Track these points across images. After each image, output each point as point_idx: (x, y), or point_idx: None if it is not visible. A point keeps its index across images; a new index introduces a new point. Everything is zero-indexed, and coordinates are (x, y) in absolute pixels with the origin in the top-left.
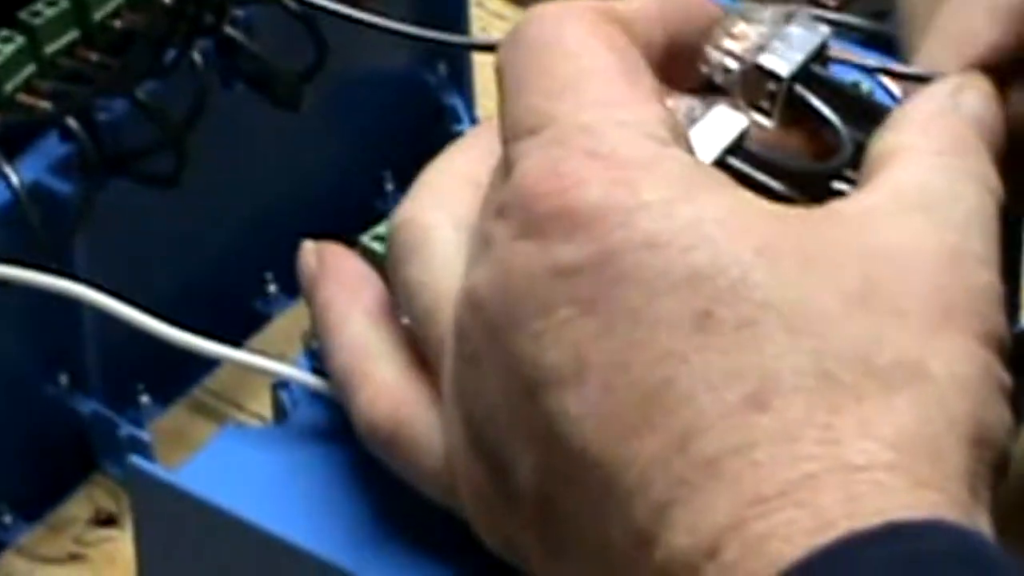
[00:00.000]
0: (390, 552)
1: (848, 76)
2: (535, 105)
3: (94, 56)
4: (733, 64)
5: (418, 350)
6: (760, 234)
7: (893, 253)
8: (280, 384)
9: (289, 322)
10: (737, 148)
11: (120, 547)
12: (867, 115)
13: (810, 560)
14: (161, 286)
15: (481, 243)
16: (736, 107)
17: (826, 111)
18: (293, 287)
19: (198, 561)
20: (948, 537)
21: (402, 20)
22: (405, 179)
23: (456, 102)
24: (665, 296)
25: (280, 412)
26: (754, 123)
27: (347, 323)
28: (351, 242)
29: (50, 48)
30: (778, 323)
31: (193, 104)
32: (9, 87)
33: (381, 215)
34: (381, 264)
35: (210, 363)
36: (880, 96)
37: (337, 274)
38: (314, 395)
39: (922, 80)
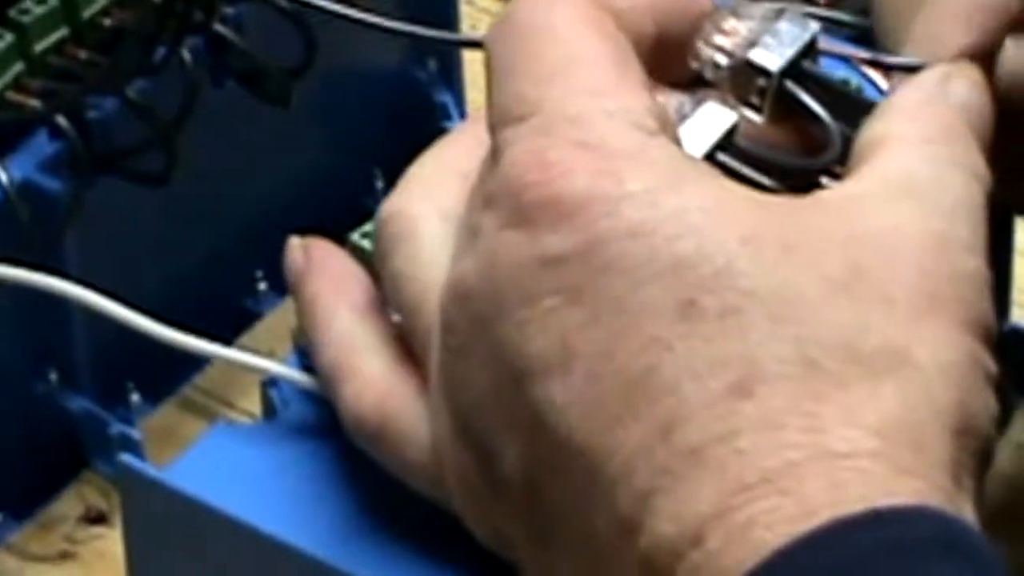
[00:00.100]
0: (380, 549)
1: (838, 72)
2: (523, 92)
3: (84, 54)
4: (723, 60)
5: (405, 344)
6: (745, 223)
7: (878, 240)
8: (270, 382)
9: (279, 320)
10: (727, 144)
11: (110, 545)
12: (856, 111)
13: (793, 547)
14: (151, 284)
15: (468, 233)
16: (726, 103)
17: (816, 107)
18: (283, 285)
19: (188, 559)
20: (931, 523)
21: (392, 17)
22: (395, 176)
23: (446, 99)
24: (650, 285)
25: (270, 410)
26: (744, 119)
27: (334, 318)
28: (341, 240)
29: (40, 46)
30: (762, 311)
31: (183, 102)
32: None
33: (371, 213)
34: (370, 262)
35: (200, 361)
36: (869, 92)
37: (324, 269)
38: (304, 393)
39: (911, 70)
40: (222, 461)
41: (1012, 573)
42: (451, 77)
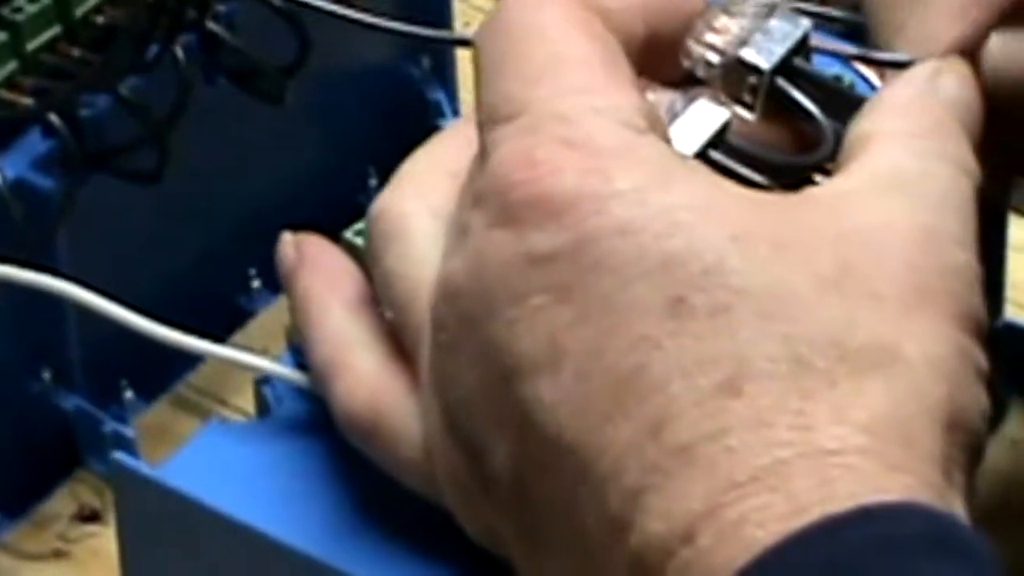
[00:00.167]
0: (374, 547)
1: (830, 69)
2: (511, 91)
3: (76, 52)
4: (715, 58)
5: (397, 341)
6: (734, 220)
7: (867, 235)
8: (263, 380)
9: (272, 318)
10: (719, 141)
11: (104, 543)
12: (849, 108)
13: (784, 545)
14: (144, 282)
15: (457, 232)
16: (717, 100)
17: (808, 104)
18: (276, 283)
19: (182, 557)
20: (921, 520)
21: (385, 15)
22: (389, 174)
23: (439, 96)
24: (639, 282)
25: (263, 407)
26: (736, 116)
27: (327, 314)
28: (335, 237)
29: (32, 44)
30: (751, 309)
31: (176, 100)
32: None
33: (365, 210)
34: (364, 259)
35: (193, 359)
36: (862, 88)
37: (316, 265)
38: (297, 390)
39: (900, 66)
40: (216, 459)
41: (1006, 569)
42: (444, 75)
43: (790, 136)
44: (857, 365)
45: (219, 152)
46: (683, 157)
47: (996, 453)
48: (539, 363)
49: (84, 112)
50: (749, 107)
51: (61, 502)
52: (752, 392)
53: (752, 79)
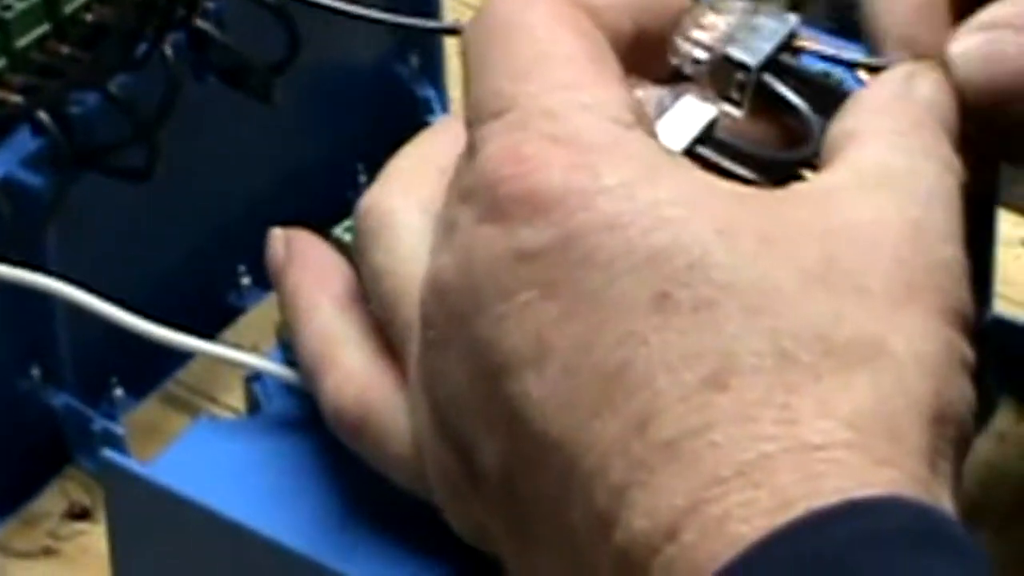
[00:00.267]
0: (364, 544)
1: (817, 64)
2: (499, 88)
3: (65, 50)
4: (702, 54)
5: (386, 337)
6: (720, 215)
7: (853, 230)
8: (253, 377)
9: (262, 315)
10: (707, 137)
11: (94, 541)
12: (836, 104)
13: (769, 540)
14: (134, 279)
15: (445, 228)
16: (705, 97)
17: (795, 100)
18: (266, 280)
19: (172, 554)
20: (907, 513)
21: (373, 8)
22: (378, 171)
23: (429, 93)
24: (625, 277)
25: (253, 404)
26: (724, 113)
27: (315, 310)
28: (324, 234)
29: (21, 42)
30: (737, 303)
31: (165, 97)
32: None
33: (354, 207)
34: (352, 256)
35: (183, 356)
36: (851, 84)
37: (305, 260)
38: (287, 387)
39: (874, 70)
40: (205, 456)
41: (995, 562)
42: (434, 72)
43: (777, 132)
44: (843, 359)
45: (208, 150)
46: (671, 153)
47: (984, 447)
48: (526, 359)
49: (73, 110)
50: (736, 104)
51: (51, 500)
52: (737, 386)
53: (739, 76)
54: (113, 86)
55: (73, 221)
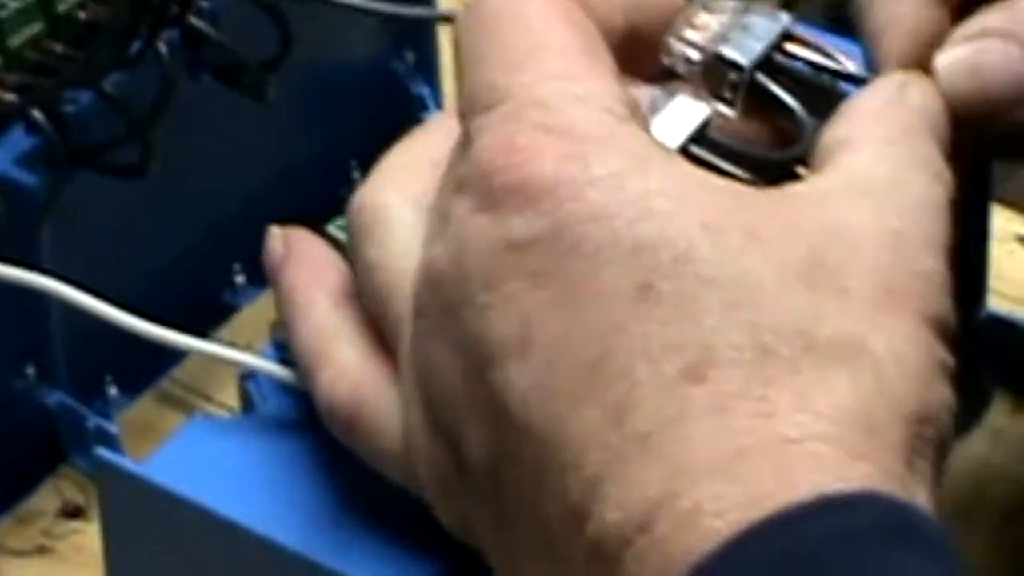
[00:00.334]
0: (358, 542)
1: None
2: (492, 79)
3: (59, 48)
4: (694, 55)
5: (381, 333)
6: (707, 209)
7: (840, 233)
8: (247, 375)
9: (257, 313)
10: (700, 137)
11: (88, 539)
12: (829, 103)
13: (742, 536)
14: (128, 278)
15: (439, 219)
16: (698, 96)
17: (787, 99)
18: (260, 278)
19: (166, 553)
20: (881, 509)
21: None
22: (372, 168)
23: (423, 90)
24: (610, 268)
25: (247, 403)
26: (717, 113)
27: (311, 306)
28: (318, 231)
29: (15, 40)
30: (719, 297)
31: (159, 95)
32: None
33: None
34: (347, 252)
35: (178, 354)
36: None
37: (302, 258)
38: (281, 386)
39: (860, 81)
40: (199, 454)
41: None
42: (428, 68)
43: (770, 132)
44: (822, 356)
45: (203, 148)
46: (662, 145)
47: (979, 442)
48: (511, 349)
49: (68, 108)
50: (730, 103)
51: (45, 498)
52: (715, 379)
53: (732, 75)
54: (107, 84)
55: (67, 220)
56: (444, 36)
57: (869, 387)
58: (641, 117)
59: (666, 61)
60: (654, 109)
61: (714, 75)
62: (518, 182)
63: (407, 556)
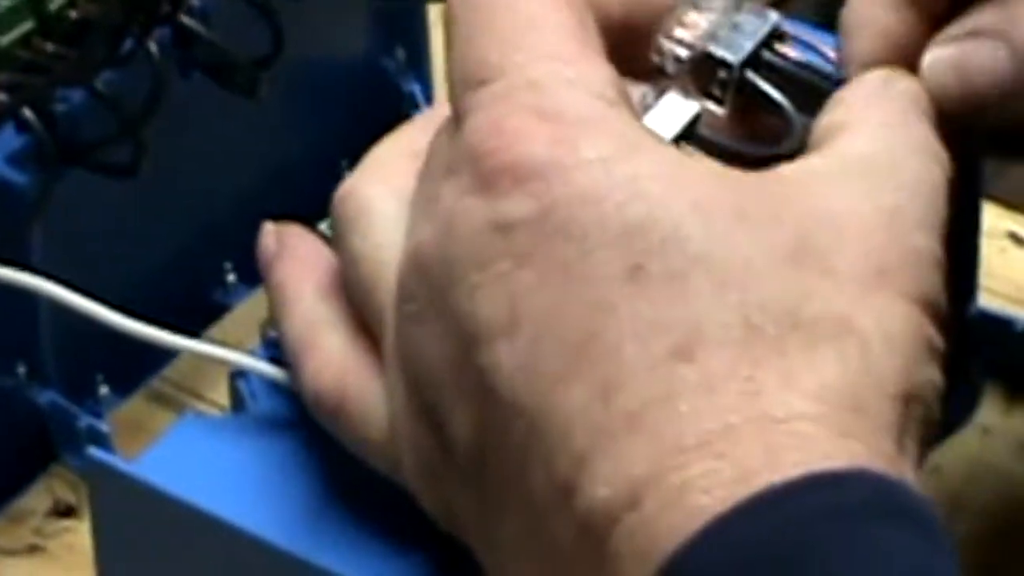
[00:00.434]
0: (349, 540)
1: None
2: (485, 56)
3: (50, 47)
4: (684, 53)
5: (366, 323)
6: (697, 190)
7: (830, 214)
8: (238, 373)
9: (248, 312)
10: (689, 134)
11: (79, 538)
12: (818, 100)
13: (730, 514)
14: (119, 277)
15: (426, 202)
16: (688, 94)
17: (776, 96)
18: (252, 277)
19: (157, 552)
20: (869, 486)
21: None
22: None
23: (414, 88)
24: (599, 250)
25: (238, 401)
26: (706, 110)
27: (299, 298)
28: (310, 229)
29: (5, 39)
30: (707, 277)
31: (150, 94)
32: None
33: None
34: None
35: (169, 353)
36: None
37: (294, 253)
38: (272, 385)
39: (839, 82)
40: (191, 453)
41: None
42: (419, 66)
43: (760, 130)
44: (810, 335)
45: (194, 146)
46: (649, 129)
47: (969, 441)
48: (498, 329)
49: (58, 107)
50: (719, 101)
51: (36, 497)
52: (703, 357)
53: (721, 73)
54: (98, 83)
55: (58, 219)
56: (436, 34)
57: (856, 366)
58: (630, 101)
59: (656, 60)
60: (644, 106)
61: (704, 73)
62: (508, 164)
63: (397, 554)
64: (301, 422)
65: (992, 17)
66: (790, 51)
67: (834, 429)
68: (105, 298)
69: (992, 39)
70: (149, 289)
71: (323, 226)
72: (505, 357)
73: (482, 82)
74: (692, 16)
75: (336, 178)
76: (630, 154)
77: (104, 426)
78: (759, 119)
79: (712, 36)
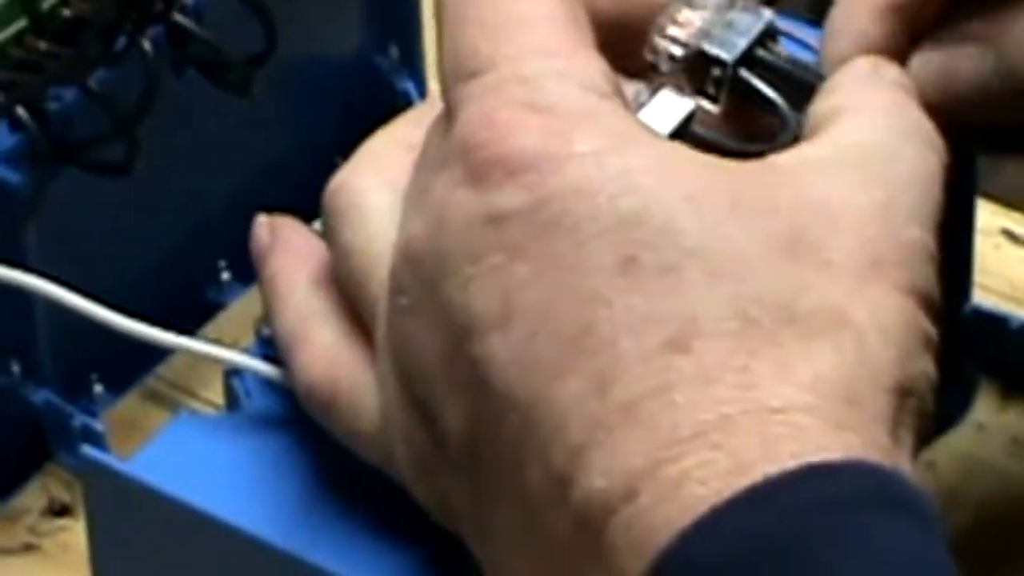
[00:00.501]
0: (344, 538)
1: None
2: (477, 46)
3: (43, 45)
4: (678, 51)
5: (359, 316)
6: (690, 182)
7: (824, 205)
8: (233, 372)
9: (242, 310)
10: (683, 131)
11: (74, 537)
12: (812, 97)
13: (726, 504)
14: (114, 275)
15: (418, 194)
16: (682, 91)
17: (771, 93)
18: (246, 275)
19: (152, 550)
20: (865, 477)
21: None
22: None
23: (408, 86)
24: (592, 242)
25: (233, 400)
26: (700, 107)
27: (292, 291)
28: None
29: None
30: (702, 268)
31: (144, 92)
32: None
33: None
34: None
35: (163, 351)
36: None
37: (287, 246)
38: (267, 383)
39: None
40: (185, 452)
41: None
42: (413, 64)
43: (754, 127)
44: (805, 327)
45: (188, 144)
46: (642, 121)
47: (963, 437)
48: (492, 321)
49: (52, 105)
50: (713, 98)
51: (31, 496)
52: (699, 349)
53: (715, 71)
54: (92, 81)
55: (52, 217)
56: (429, 32)
57: (851, 358)
58: (622, 93)
59: (650, 58)
60: (638, 104)
61: (698, 71)
62: (500, 156)
63: (392, 552)
64: (296, 420)
65: (980, 24)
66: (784, 49)
67: (829, 421)
68: (100, 296)
69: (979, 47)
70: (144, 287)
71: (316, 225)
72: (499, 350)
73: (473, 74)
74: (686, 14)
75: (330, 176)
76: (623, 147)
77: (99, 425)
78: (753, 117)
79: (706, 34)
